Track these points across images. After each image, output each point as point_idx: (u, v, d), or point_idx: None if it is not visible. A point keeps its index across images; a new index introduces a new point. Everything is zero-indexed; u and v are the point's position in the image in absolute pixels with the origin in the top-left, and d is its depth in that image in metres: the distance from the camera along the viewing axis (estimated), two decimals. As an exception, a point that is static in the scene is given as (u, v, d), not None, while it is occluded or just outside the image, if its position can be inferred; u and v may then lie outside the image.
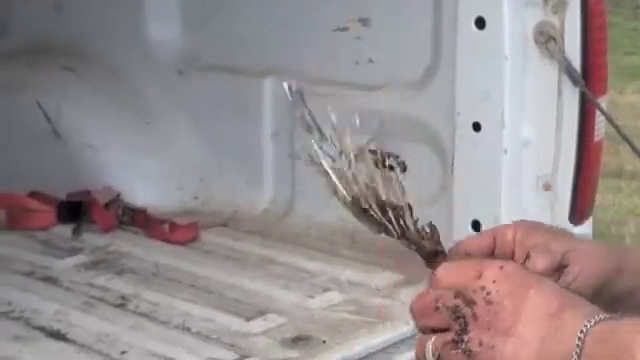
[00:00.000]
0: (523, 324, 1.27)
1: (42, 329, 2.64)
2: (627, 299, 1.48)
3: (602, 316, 1.25)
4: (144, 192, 3.61)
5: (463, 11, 2.85)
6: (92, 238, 3.37)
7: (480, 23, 2.77)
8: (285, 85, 1.58)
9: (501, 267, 1.33)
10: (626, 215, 6.61)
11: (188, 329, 2.64)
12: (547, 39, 2.77)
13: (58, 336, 2.65)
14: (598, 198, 3.08)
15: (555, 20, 2.78)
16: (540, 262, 1.41)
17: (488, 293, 1.29)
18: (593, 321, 1.24)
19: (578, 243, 1.49)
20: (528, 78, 2.80)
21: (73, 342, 2.62)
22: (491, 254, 1.47)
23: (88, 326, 2.71)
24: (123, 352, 2.53)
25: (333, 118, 1.56)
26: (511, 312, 1.27)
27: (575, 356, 1.23)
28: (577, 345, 1.23)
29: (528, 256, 1.43)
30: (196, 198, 3.58)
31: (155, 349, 2.53)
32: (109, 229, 3.44)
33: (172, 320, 2.70)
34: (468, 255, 1.47)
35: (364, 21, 3.21)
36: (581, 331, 1.23)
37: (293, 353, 2.35)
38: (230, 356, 2.44)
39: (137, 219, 3.47)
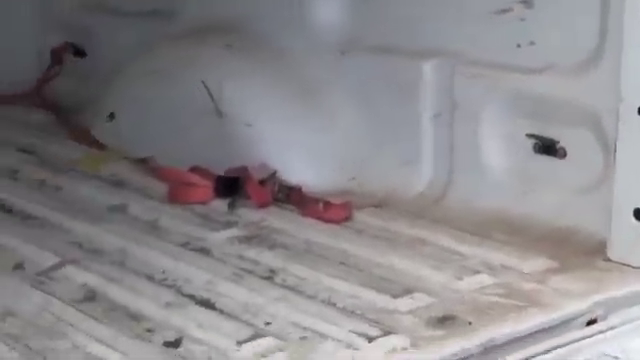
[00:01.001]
0: None
1: (192, 297, 2.69)
2: None
3: None
4: (300, 171, 3.62)
5: None
6: (247, 213, 3.41)
7: None
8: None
9: None
10: None
11: (333, 304, 2.64)
12: None
13: (207, 304, 2.69)
14: None
15: None
16: None
17: None
18: None
19: None
20: None
21: (220, 311, 2.65)
22: None
23: (236, 296, 2.74)
24: (267, 323, 2.54)
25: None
26: None
27: None
28: None
29: None
30: (353, 179, 3.56)
31: (299, 321, 2.52)
32: (264, 205, 3.47)
33: (318, 295, 2.70)
34: None
35: (527, 3, 3.14)
36: None
37: (438, 332, 2.31)
38: (374, 332, 2.41)
39: (292, 197, 3.49)
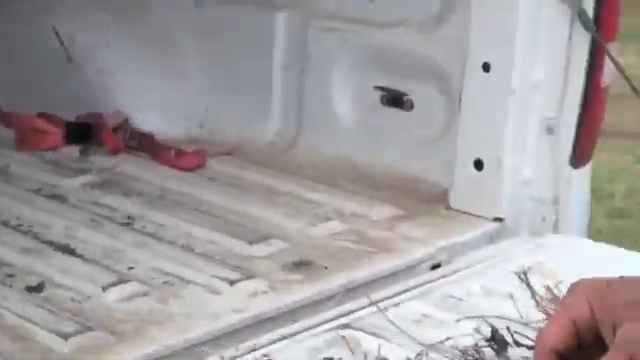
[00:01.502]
0: None
1: (51, 243, 2.71)
2: None
3: None
4: (152, 119, 3.65)
5: None
6: (99, 160, 3.43)
7: None
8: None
9: None
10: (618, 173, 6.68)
11: (192, 249, 2.70)
12: None
13: (67, 250, 2.71)
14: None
15: None
16: None
17: None
18: None
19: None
20: (541, 22, 2.82)
21: (81, 256, 2.68)
22: (578, 343, 1.38)
23: (96, 242, 2.78)
24: (130, 268, 2.59)
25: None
26: None
27: None
28: None
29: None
30: (202, 127, 3.62)
31: (161, 266, 2.59)
32: (116, 152, 3.49)
33: (177, 240, 2.76)
34: (557, 353, 1.37)
35: None
36: None
37: (296, 276, 2.41)
38: (235, 276, 2.49)
39: (144, 144, 3.52)
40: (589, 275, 2.19)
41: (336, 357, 1.94)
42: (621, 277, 1.53)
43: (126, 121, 3.55)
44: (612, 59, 2.83)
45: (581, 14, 2.77)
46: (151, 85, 3.71)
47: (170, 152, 3.39)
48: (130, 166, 3.37)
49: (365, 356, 1.85)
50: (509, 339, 1.95)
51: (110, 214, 2.96)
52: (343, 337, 2.04)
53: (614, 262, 2.57)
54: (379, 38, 3.26)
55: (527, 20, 2.82)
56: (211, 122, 3.62)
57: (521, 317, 2.04)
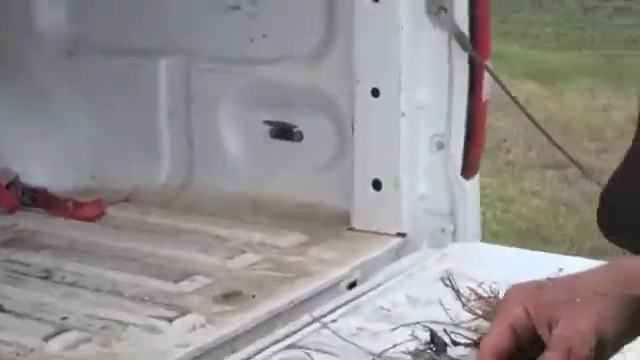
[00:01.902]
0: None
1: (-25, 304, 2.74)
2: None
3: None
4: (41, 174, 3.60)
5: None
6: (-4, 220, 3.42)
7: None
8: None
9: None
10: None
11: (121, 294, 2.72)
12: (438, 9, 2.88)
13: None
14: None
15: None
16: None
17: None
18: None
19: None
20: (422, 45, 2.94)
21: (10, 312, 2.66)
22: (517, 344, 1.47)
23: (21, 298, 2.77)
24: (64, 318, 2.59)
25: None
26: None
27: None
28: None
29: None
30: (93, 177, 3.58)
31: (95, 313, 2.60)
32: (13, 210, 3.44)
33: (102, 287, 2.77)
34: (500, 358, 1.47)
35: (254, 0, 3.24)
36: None
37: (228, 307, 2.48)
38: (171, 314, 2.54)
39: (39, 199, 3.49)
40: (498, 275, 2.39)
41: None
42: (548, 279, 1.68)
43: (17, 178, 3.50)
44: (492, 74, 2.96)
45: (458, 36, 2.88)
46: (34, 140, 3.67)
47: (67, 204, 3.37)
48: (30, 222, 3.34)
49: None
50: (447, 340, 2.11)
51: (26, 270, 2.94)
52: (293, 358, 2.16)
53: (512, 260, 2.77)
54: (262, 74, 3.31)
55: (409, 45, 2.92)
56: (102, 171, 3.60)
57: (451, 319, 2.18)
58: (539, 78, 9.33)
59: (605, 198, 1.35)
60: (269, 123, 3.26)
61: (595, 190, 6.30)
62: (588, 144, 7.51)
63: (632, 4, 13.09)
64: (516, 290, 1.59)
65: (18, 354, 2.44)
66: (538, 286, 1.53)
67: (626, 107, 8.40)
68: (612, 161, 6.29)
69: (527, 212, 6.57)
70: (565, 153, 3.19)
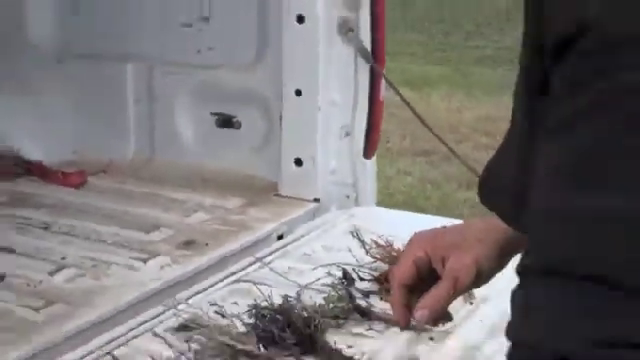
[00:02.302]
0: None
1: (-7, 248, 2.74)
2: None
3: None
4: (34, 150, 3.55)
5: (286, 9, 2.96)
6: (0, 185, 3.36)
7: (300, 19, 2.91)
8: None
9: None
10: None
11: (105, 241, 2.76)
12: (347, 30, 2.93)
13: (9, 250, 2.70)
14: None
15: (353, 16, 2.94)
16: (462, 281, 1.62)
17: None
18: None
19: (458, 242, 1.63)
20: (335, 57, 2.97)
21: (20, 254, 2.69)
22: (419, 276, 1.63)
23: (28, 243, 2.78)
24: (63, 258, 2.63)
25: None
26: None
27: None
28: None
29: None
30: (75, 152, 3.57)
31: (86, 255, 2.64)
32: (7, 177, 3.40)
33: (90, 236, 2.80)
34: (406, 286, 1.63)
35: (205, 19, 3.25)
36: None
37: (188, 252, 2.56)
38: (145, 256, 2.60)
39: (34, 170, 3.44)
40: (392, 230, 2.48)
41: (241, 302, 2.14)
42: (444, 227, 1.78)
43: (11, 151, 3.50)
44: (387, 80, 3.04)
45: (362, 51, 2.94)
46: (29, 124, 3.62)
47: (57, 174, 3.36)
48: (27, 187, 3.33)
49: (256, 299, 2.03)
50: (355, 276, 2.23)
51: (29, 222, 2.94)
52: (240, 288, 2.26)
53: (401, 219, 2.91)
54: (209, 77, 3.33)
55: (325, 57, 2.95)
56: (83, 148, 3.57)
57: (357, 262, 2.27)
58: (411, 85, 9.44)
59: (485, 170, 1.31)
60: (215, 114, 3.28)
61: (453, 171, 6.51)
62: (449, 135, 7.48)
63: (482, 29, 13.32)
64: (417, 236, 1.73)
65: (28, 285, 2.48)
66: (434, 233, 1.70)
67: (475, 109, 8.61)
68: (467, 149, 6.44)
69: (402, 188, 6.69)
70: (442, 141, 3.27)
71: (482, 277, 1.63)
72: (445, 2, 14.78)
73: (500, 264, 1.60)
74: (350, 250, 2.34)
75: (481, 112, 8.47)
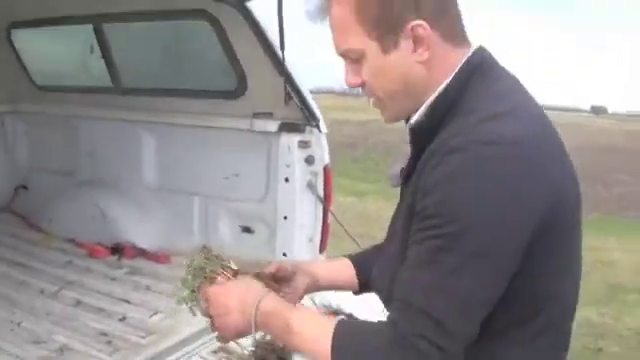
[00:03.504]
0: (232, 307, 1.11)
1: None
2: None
3: (264, 295, 1.10)
4: (142, 242, 3.44)
5: (279, 175, 2.92)
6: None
7: (287, 180, 2.91)
8: None
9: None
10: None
11: None
12: (310, 183, 2.96)
13: (125, 301, 2.71)
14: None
15: (314, 179, 2.95)
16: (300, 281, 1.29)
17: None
18: (259, 298, 1.08)
19: (300, 266, 1.33)
20: (305, 200, 2.97)
21: (133, 303, 2.71)
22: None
23: (136, 296, 2.79)
24: (157, 306, 2.63)
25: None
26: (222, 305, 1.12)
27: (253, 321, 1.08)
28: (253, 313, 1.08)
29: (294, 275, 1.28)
30: (164, 243, 3.38)
31: (170, 305, 2.55)
32: (131, 257, 3.31)
33: (173, 294, 2.68)
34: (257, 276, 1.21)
35: (236, 175, 3.17)
36: (256, 306, 1.08)
37: None
38: None
39: (143, 253, 3.35)
40: None
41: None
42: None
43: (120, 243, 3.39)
44: (332, 214, 3.00)
45: (318, 197, 2.97)
46: (140, 227, 3.48)
47: (155, 255, 3.30)
48: (139, 263, 3.26)
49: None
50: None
51: (138, 284, 2.95)
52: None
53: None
54: (238, 206, 3.18)
55: (298, 199, 2.92)
56: (168, 240, 3.41)
57: None
58: (356, 194, 9.66)
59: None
60: (240, 226, 3.23)
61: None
62: (375, 225, 7.45)
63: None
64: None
65: (139, 322, 2.47)
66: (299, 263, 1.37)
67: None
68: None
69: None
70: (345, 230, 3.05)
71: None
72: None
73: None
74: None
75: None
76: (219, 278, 1.18)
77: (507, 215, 0.92)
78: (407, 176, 1.10)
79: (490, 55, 1.09)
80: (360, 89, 1.11)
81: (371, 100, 1.11)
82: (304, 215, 2.99)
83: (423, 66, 1.04)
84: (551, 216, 0.95)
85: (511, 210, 0.92)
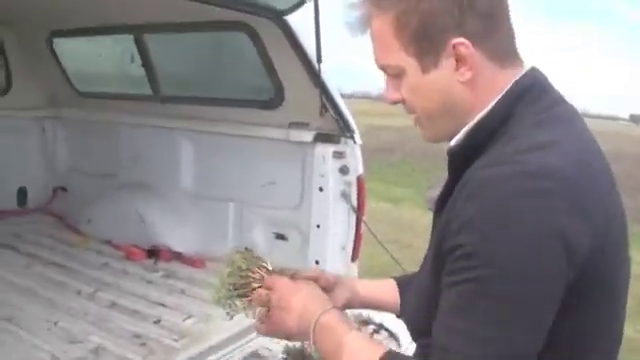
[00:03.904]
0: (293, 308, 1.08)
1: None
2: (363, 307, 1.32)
3: (328, 309, 1.06)
4: (178, 246, 3.45)
5: (314, 184, 2.90)
6: None
7: (321, 189, 2.90)
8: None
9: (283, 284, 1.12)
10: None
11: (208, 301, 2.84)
12: (343, 193, 2.95)
13: (161, 304, 2.73)
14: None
15: (348, 189, 2.94)
16: (340, 296, 1.24)
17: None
18: (320, 313, 1.05)
19: (341, 279, 1.29)
20: (338, 209, 2.96)
21: (168, 307, 2.75)
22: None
23: (171, 300, 2.82)
24: (189, 310, 2.65)
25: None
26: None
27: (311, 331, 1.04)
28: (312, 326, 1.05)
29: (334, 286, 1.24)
30: (200, 248, 3.39)
31: (202, 309, 2.65)
32: (167, 260, 3.35)
33: (205, 297, 2.74)
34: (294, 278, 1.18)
35: (272, 183, 3.18)
36: (317, 317, 1.05)
37: None
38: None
39: (178, 257, 3.37)
40: None
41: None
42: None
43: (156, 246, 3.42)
44: (365, 223, 2.99)
45: (352, 207, 2.96)
46: (177, 232, 3.51)
47: (191, 259, 3.33)
48: (174, 267, 3.30)
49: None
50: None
51: (173, 288, 2.98)
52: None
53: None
54: (273, 213, 3.19)
55: (332, 209, 2.90)
56: (204, 245, 3.42)
57: None
58: (391, 200, 9.58)
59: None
60: (274, 233, 3.24)
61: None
62: (409, 232, 7.44)
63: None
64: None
65: (172, 325, 2.49)
66: (337, 276, 1.30)
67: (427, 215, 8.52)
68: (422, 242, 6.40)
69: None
70: (380, 243, 3.05)
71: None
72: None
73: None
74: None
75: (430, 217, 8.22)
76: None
77: (542, 262, 0.85)
78: (442, 201, 1.03)
79: (544, 78, 1.02)
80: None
81: (412, 117, 1.06)
82: (337, 224, 2.98)
83: (466, 87, 0.99)
84: (593, 265, 0.88)
85: (547, 257, 0.85)
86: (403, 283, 1.30)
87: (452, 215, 0.93)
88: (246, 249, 1.23)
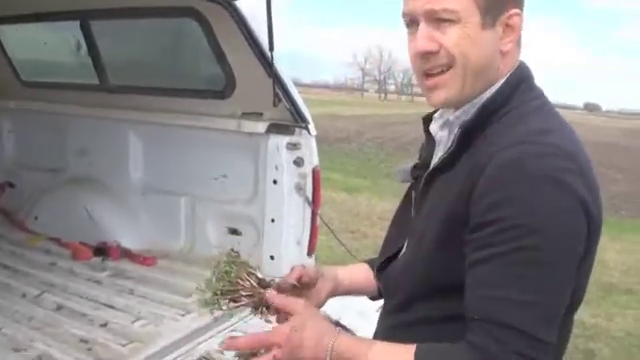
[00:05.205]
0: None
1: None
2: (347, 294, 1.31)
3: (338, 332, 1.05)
4: (128, 242, 3.37)
5: (268, 177, 2.88)
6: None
7: (275, 182, 2.88)
8: None
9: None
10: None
11: (162, 302, 2.65)
12: (298, 185, 2.89)
13: (108, 306, 2.62)
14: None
15: (302, 182, 2.88)
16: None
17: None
18: (334, 339, 1.03)
19: (323, 270, 1.27)
20: (293, 202, 2.91)
21: (116, 309, 2.63)
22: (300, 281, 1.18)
23: (119, 301, 2.70)
24: (139, 312, 2.56)
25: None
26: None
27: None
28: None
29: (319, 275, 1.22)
30: (149, 244, 3.33)
31: (152, 310, 2.58)
32: (116, 258, 3.23)
33: (155, 298, 2.72)
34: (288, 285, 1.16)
35: (225, 176, 3.13)
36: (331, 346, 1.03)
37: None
38: (183, 312, 2.53)
39: (127, 254, 3.27)
40: None
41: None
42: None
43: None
44: (320, 217, 2.94)
45: (306, 200, 2.89)
46: (126, 227, 3.43)
47: (140, 257, 3.23)
48: (123, 265, 3.18)
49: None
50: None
51: (122, 289, 2.86)
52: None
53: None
54: (226, 207, 3.14)
55: (287, 202, 2.86)
56: (153, 242, 3.37)
57: None
58: (348, 190, 9.62)
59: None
60: (228, 227, 3.18)
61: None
62: (364, 222, 7.35)
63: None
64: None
65: (121, 329, 2.41)
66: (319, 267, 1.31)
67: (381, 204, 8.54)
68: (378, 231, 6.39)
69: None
70: (333, 233, 3.09)
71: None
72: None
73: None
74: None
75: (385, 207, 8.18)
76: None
77: (577, 227, 0.97)
78: (434, 174, 1.10)
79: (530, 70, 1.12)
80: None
81: (428, 82, 1.06)
82: (292, 217, 2.92)
83: (502, 57, 1.06)
84: (594, 226, 1.00)
85: (580, 223, 0.97)
86: (374, 264, 1.32)
87: (476, 193, 0.98)
88: (232, 250, 1.26)
